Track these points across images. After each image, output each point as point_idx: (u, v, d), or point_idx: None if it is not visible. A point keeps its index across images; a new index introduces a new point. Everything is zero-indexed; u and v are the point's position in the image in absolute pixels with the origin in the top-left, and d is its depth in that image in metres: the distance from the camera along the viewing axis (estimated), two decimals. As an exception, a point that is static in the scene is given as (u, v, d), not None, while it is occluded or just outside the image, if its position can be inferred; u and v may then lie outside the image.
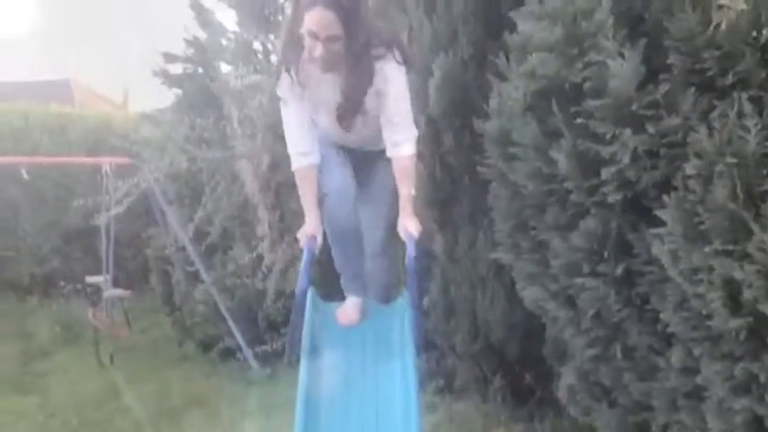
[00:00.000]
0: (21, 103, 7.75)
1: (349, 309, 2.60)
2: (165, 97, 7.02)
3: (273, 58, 5.23)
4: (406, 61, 2.38)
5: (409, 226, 2.36)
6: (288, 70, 2.35)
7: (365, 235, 2.64)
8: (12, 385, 4.93)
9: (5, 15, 33.44)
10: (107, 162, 5.20)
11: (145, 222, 6.07)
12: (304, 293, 2.32)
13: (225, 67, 5.33)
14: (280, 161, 4.69)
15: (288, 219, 4.75)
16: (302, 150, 2.43)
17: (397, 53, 2.33)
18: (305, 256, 2.34)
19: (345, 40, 2.19)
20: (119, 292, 5.22)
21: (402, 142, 2.41)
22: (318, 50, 2.19)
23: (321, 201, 2.53)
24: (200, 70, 5.40)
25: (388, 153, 2.45)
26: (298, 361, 2.63)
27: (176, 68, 5.52)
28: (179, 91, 5.58)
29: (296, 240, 4.35)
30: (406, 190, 2.38)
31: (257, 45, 5.11)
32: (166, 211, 5.10)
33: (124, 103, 14.07)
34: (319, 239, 2.41)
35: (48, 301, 7.16)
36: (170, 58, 5.50)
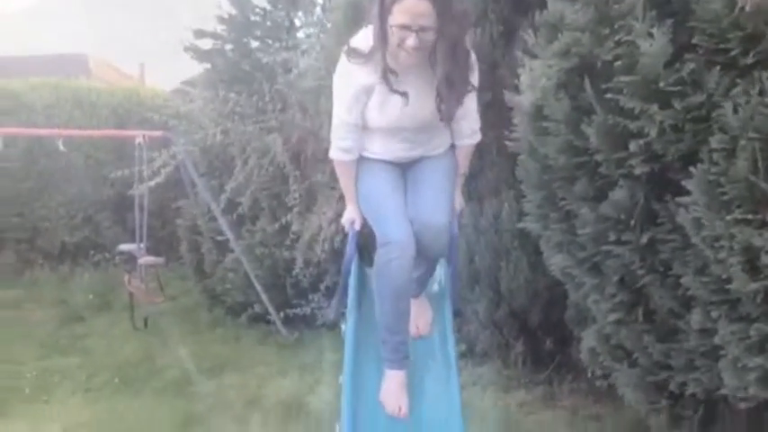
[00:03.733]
0: (52, 79, 7.91)
1: (395, 391, 2.23)
2: (182, 73, 7.20)
3: (301, 35, 5.38)
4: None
5: (456, 201, 2.46)
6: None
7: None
8: (52, 348, 5.18)
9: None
10: (141, 135, 5.37)
11: (174, 194, 6.25)
12: (351, 261, 2.47)
13: (253, 43, 5.48)
14: (308, 135, 4.86)
15: (315, 190, 4.93)
16: (347, 147, 2.31)
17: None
18: (350, 235, 2.48)
19: (439, 29, 2.08)
20: (153, 259, 5.42)
21: (477, 131, 2.41)
22: (411, 41, 2.07)
23: (368, 238, 2.40)
24: (229, 46, 5.56)
25: (460, 141, 2.40)
26: (334, 325, 2.78)
27: (205, 43, 5.67)
28: (207, 65, 5.74)
29: (323, 212, 4.50)
30: (463, 169, 2.46)
31: (286, 22, 5.25)
32: (198, 183, 5.27)
33: (141, 76, 14.21)
34: (359, 224, 2.44)
35: (79, 269, 7.39)
36: (200, 33, 5.65)
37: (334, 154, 2.35)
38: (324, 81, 4.21)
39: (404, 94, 2.18)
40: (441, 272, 2.59)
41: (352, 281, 2.47)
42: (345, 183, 2.42)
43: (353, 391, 2.17)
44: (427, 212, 2.26)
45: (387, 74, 2.14)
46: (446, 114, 2.21)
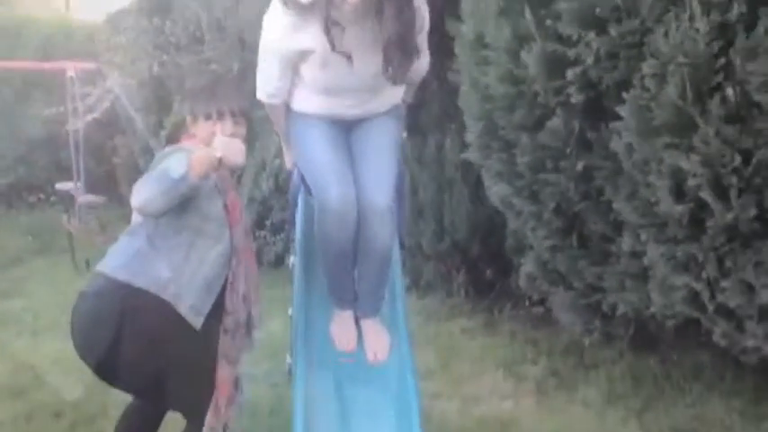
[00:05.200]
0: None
1: (343, 328, 2.23)
2: (109, 3, 6.84)
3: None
4: None
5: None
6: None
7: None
8: (-7, 292, 5.03)
9: None
10: (72, 67, 5.12)
11: (110, 131, 6.06)
12: (296, 193, 2.44)
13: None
14: (248, 68, 4.73)
15: (256, 126, 4.84)
16: (274, 92, 2.12)
17: None
18: (293, 177, 2.44)
19: None
20: (92, 198, 5.27)
21: (425, 68, 2.21)
22: None
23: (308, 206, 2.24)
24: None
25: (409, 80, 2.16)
26: (279, 262, 2.71)
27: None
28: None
29: (266, 148, 4.38)
30: (408, 100, 2.34)
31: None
32: (136, 119, 5.12)
33: (66, 6, 13.44)
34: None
35: (13, 212, 7.13)
36: (130, -41, 5.38)
37: (263, 97, 2.15)
38: (264, 10, 4.08)
39: (348, 57, 1.97)
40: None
41: (298, 214, 2.46)
42: (278, 124, 2.26)
43: (304, 323, 2.20)
44: (369, 191, 2.07)
45: (329, 29, 1.91)
46: (394, 78, 1.99)
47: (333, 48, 1.93)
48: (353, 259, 2.18)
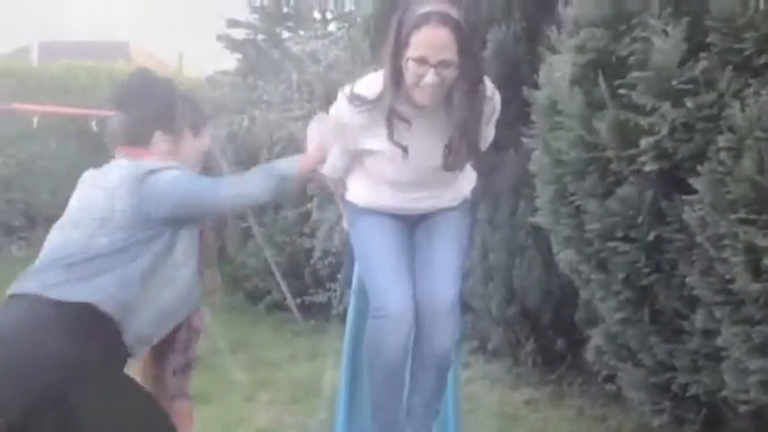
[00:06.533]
0: (88, 61, 8.13)
1: None
2: (218, 62, 7.32)
3: (331, 27, 5.45)
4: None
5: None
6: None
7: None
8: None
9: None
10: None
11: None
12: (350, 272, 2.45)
13: (285, 34, 5.58)
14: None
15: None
16: (332, 171, 2.06)
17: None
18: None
19: (459, 65, 1.76)
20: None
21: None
22: (430, 77, 1.75)
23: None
24: (261, 36, 5.67)
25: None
26: (343, 316, 2.76)
27: (238, 33, 5.79)
28: (238, 55, 5.86)
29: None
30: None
31: (317, 13, 5.33)
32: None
33: (179, 66, 14.51)
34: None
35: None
36: (233, 23, 5.77)
37: (324, 170, 2.06)
38: (351, 73, 4.27)
39: (404, 149, 1.87)
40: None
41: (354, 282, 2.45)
42: (337, 193, 2.19)
43: (351, 377, 2.19)
44: (433, 287, 1.95)
45: (392, 121, 1.83)
46: (452, 166, 1.90)
47: (391, 138, 1.85)
48: (404, 384, 1.99)
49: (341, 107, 1.91)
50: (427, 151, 1.90)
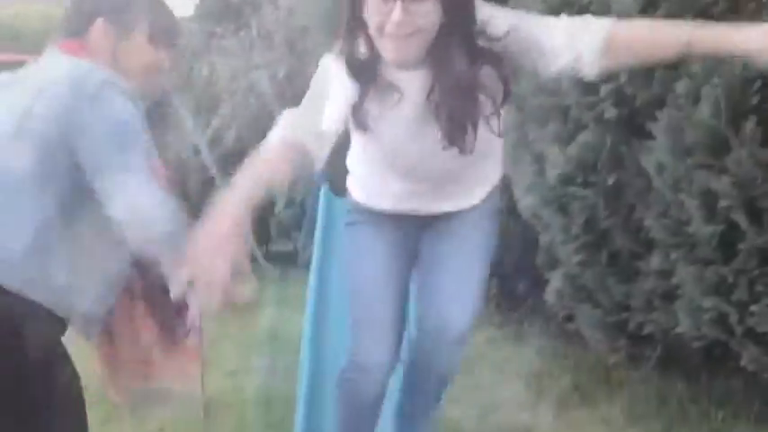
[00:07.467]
0: (40, 5, 7.78)
1: None
2: (176, 8, 7.09)
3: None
4: None
5: None
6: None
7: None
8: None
9: None
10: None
11: (160, 130, 6.24)
12: (317, 192, 2.42)
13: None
14: (294, 73, 4.85)
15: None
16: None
17: None
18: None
19: (443, 9, 1.33)
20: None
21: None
22: (397, 14, 1.29)
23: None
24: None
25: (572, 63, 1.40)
26: (307, 264, 2.76)
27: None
28: (196, 0, 5.67)
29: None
30: None
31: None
32: (184, 118, 5.27)
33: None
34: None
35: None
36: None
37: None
38: (312, 19, 4.19)
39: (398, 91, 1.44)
40: None
41: (319, 213, 2.44)
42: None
43: (315, 322, 2.23)
44: (444, 307, 1.57)
45: (367, 87, 1.44)
46: (453, 141, 1.42)
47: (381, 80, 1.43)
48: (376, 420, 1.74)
49: (327, 68, 1.52)
50: (426, 127, 1.45)
